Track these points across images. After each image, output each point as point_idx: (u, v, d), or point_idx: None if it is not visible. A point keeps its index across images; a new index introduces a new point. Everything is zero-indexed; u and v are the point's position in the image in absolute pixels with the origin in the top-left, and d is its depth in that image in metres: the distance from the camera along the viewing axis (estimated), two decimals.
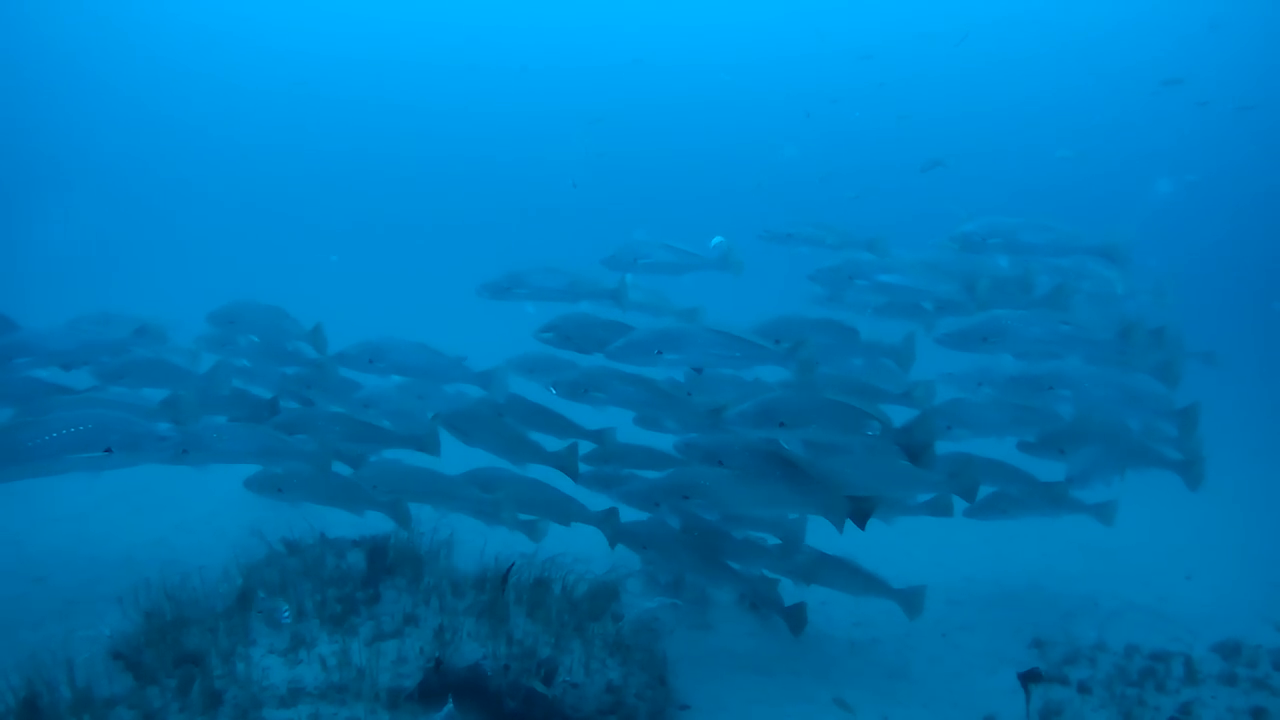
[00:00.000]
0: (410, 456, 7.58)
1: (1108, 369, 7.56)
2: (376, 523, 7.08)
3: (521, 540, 7.43)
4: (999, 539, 8.18)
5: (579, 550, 7.58)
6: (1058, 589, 9.13)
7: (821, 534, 7.03)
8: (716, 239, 8.74)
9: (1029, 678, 6.22)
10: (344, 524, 7.34)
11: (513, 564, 6.37)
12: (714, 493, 6.50)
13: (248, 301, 8.70)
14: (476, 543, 7.05)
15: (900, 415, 6.84)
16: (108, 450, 5.42)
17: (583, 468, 7.63)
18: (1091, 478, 7.69)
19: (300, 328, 8.68)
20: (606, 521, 7.17)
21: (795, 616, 7.41)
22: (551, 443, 7.72)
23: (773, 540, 7.55)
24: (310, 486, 6.99)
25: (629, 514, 7.07)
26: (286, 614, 5.47)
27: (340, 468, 7.33)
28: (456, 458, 7.51)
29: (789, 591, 7.41)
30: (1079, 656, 7.10)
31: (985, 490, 7.76)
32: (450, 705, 4.99)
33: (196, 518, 9.57)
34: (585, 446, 7.79)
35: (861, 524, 6.41)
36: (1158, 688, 6.42)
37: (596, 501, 7.29)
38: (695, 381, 7.68)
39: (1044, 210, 8.90)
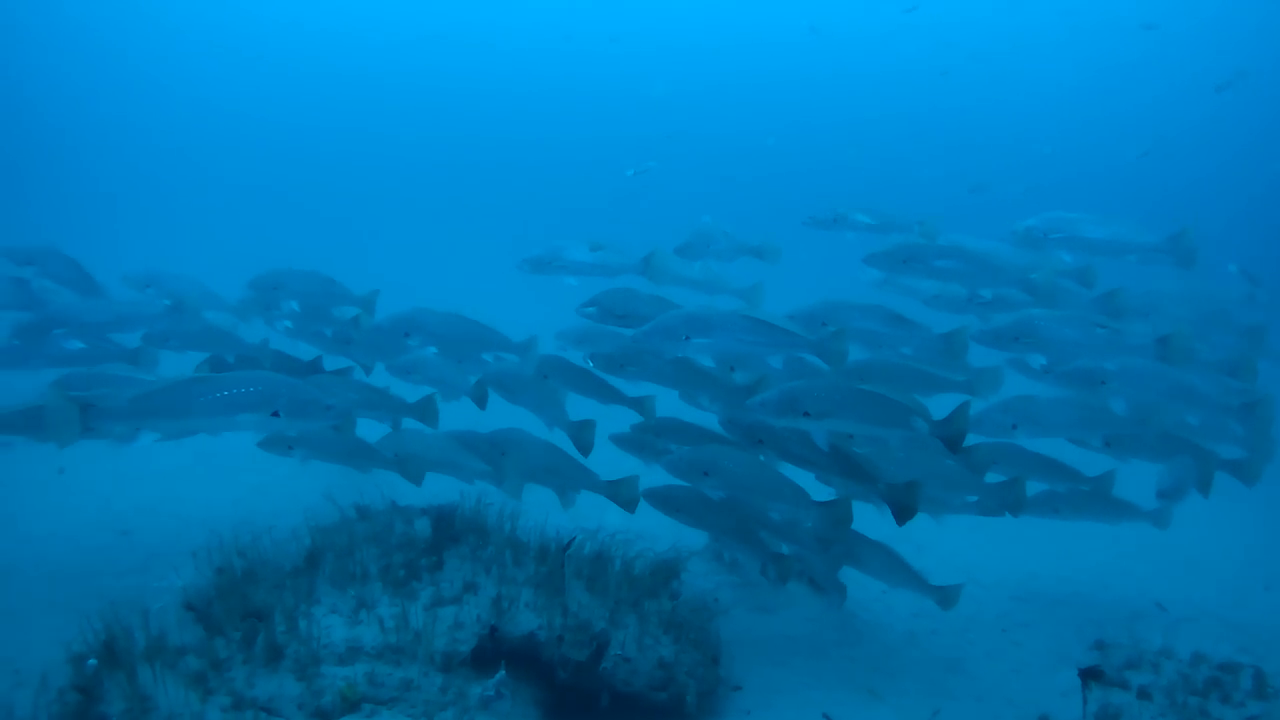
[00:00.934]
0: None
1: (1163, 366, 7.37)
2: (445, 492, 7.24)
3: (586, 514, 7.55)
4: (1066, 535, 8.07)
5: (642, 527, 7.68)
6: (1125, 590, 8.98)
7: (871, 522, 7.01)
8: (705, 218, 8.69)
9: (1090, 674, 6.16)
10: (415, 492, 7.53)
11: (573, 538, 6.49)
12: (732, 473, 6.48)
13: (292, 268, 8.81)
14: (542, 516, 7.16)
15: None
16: (275, 414, 5.54)
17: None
18: (1183, 490, 7.52)
19: (349, 294, 8.77)
20: (617, 491, 7.13)
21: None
22: (590, 409, 7.83)
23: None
24: (320, 445, 7.30)
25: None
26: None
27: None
28: (496, 416, 7.66)
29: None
30: (1142, 661, 6.97)
31: (1036, 487, 7.69)
32: (502, 672, 5.13)
33: (274, 481, 9.84)
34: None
35: (902, 519, 6.34)
36: (1223, 699, 6.27)
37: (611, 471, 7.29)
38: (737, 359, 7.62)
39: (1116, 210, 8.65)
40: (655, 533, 7.74)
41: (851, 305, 7.67)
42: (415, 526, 6.71)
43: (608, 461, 7.43)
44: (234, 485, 9.89)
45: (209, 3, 46.33)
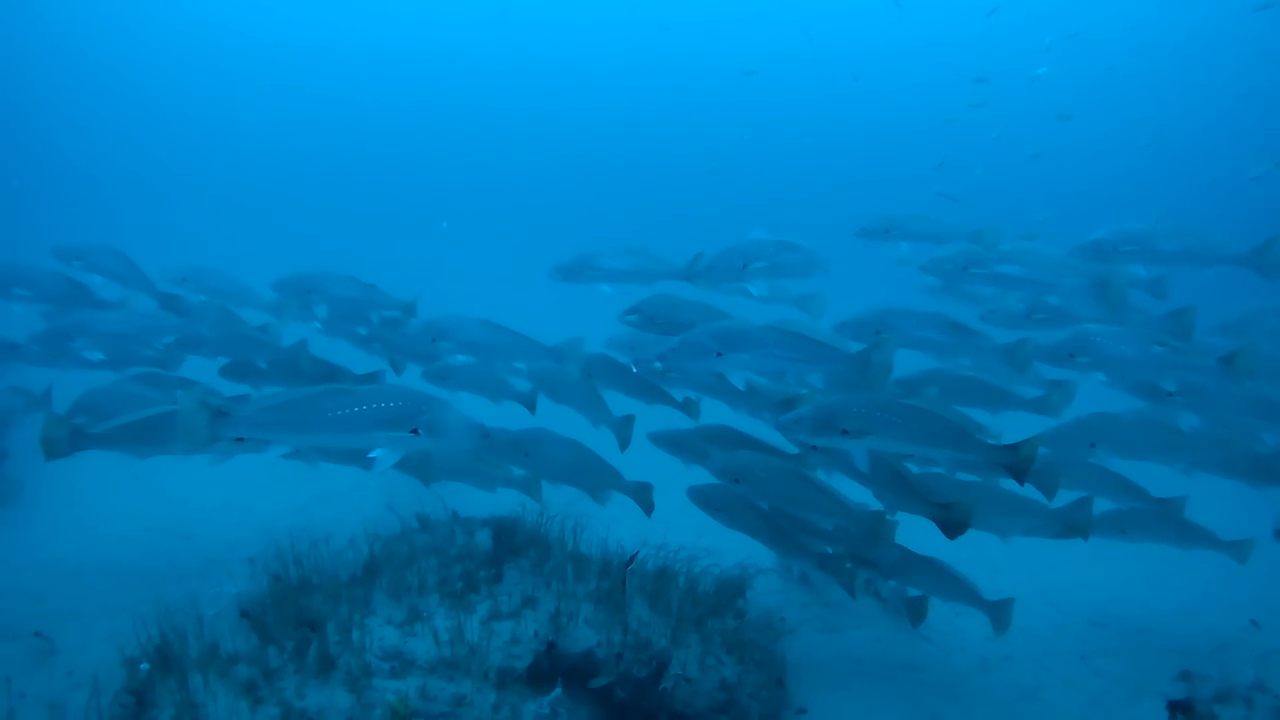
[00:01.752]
0: None
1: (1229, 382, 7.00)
2: (509, 504, 7.14)
3: (652, 529, 7.39)
4: (1151, 559, 7.73)
5: (710, 544, 7.51)
6: (1213, 619, 8.58)
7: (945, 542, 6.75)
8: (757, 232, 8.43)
9: (1180, 708, 5.86)
10: (477, 504, 7.43)
11: (636, 552, 6.32)
12: (763, 481, 6.28)
13: (327, 270, 8.70)
14: (604, 529, 7.02)
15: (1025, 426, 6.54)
16: (414, 431, 5.31)
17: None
18: None
19: (388, 298, 8.65)
20: (640, 494, 6.99)
21: (916, 608, 6.97)
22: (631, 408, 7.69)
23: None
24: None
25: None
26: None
27: None
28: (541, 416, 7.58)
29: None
30: (1233, 695, 6.61)
31: (1103, 505, 7.33)
32: (559, 690, 4.96)
33: (337, 490, 9.83)
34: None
35: (952, 534, 6.03)
36: None
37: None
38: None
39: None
40: (721, 549, 7.56)
41: (907, 312, 7.38)
42: (476, 538, 6.60)
43: (657, 465, 7.27)
44: (297, 493, 9.89)
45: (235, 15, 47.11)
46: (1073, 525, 6.73)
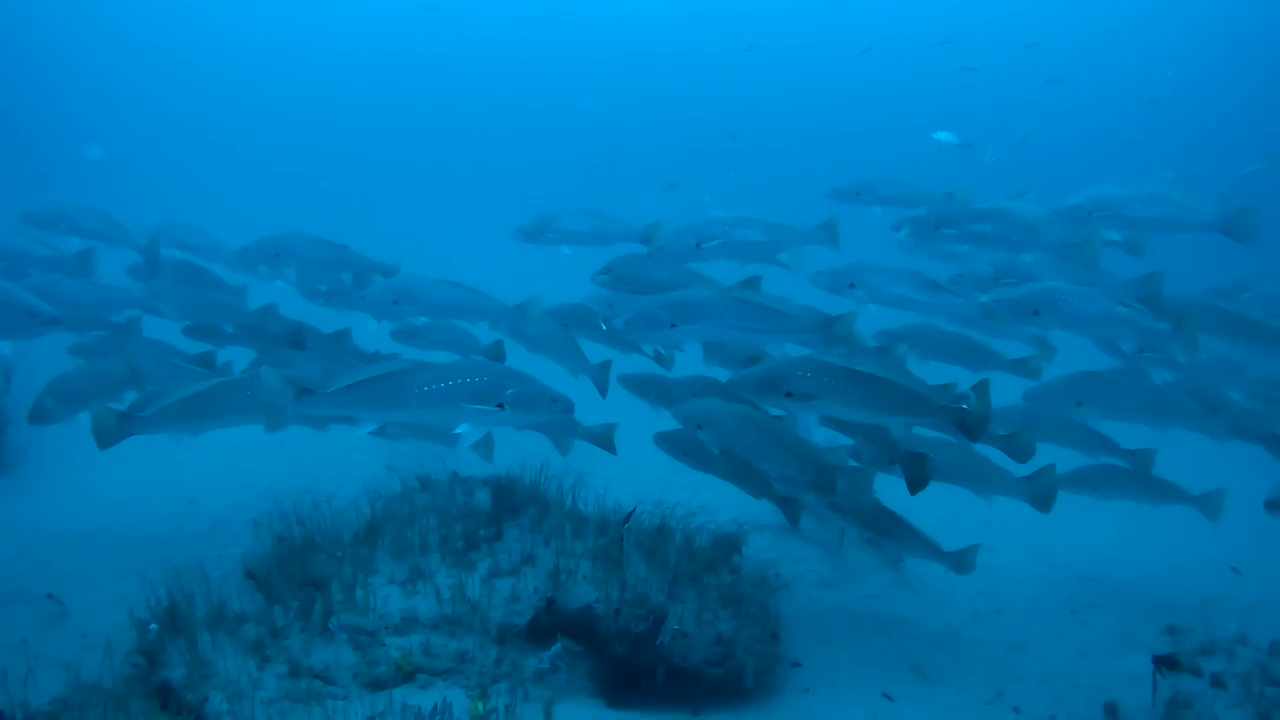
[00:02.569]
0: None
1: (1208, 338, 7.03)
2: (509, 463, 7.23)
3: (649, 487, 7.50)
4: (1141, 516, 7.83)
5: (706, 500, 7.62)
6: (1199, 573, 8.73)
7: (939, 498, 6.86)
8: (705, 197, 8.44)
9: (1165, 662, 5.99)
10: (477, 464, 7.53)
11: (634, 509, 6.43)
12: (726, 429, 6.28)
13: (298, 231, 8.63)
14: (603, 487, 7.12)
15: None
16: (499, 406, 5.32)
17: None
18: None
19: (362, 259, 8.60)
20: (602, 437, 7.19)
21: (962, 564, 6.88)
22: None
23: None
24: None
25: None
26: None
27: None
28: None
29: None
30: (1216, 648, 6.74)
31: (1078, 461, 7.49)
32: (559, 645, 5.10)
33: (338, 452, 9.93)
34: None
35: (914, 489, 6.04)
36: None
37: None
38: None
39: None
40: (717, 505, 7.67)
41: (882, 269, 7.37)
42: (476, 497, 6.71)
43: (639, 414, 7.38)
44: (299, 455, 9.99)
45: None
46: (1035, 496, 6.75)
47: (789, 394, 5.74)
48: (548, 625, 5.38)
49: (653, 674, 5.55)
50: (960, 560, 6.87)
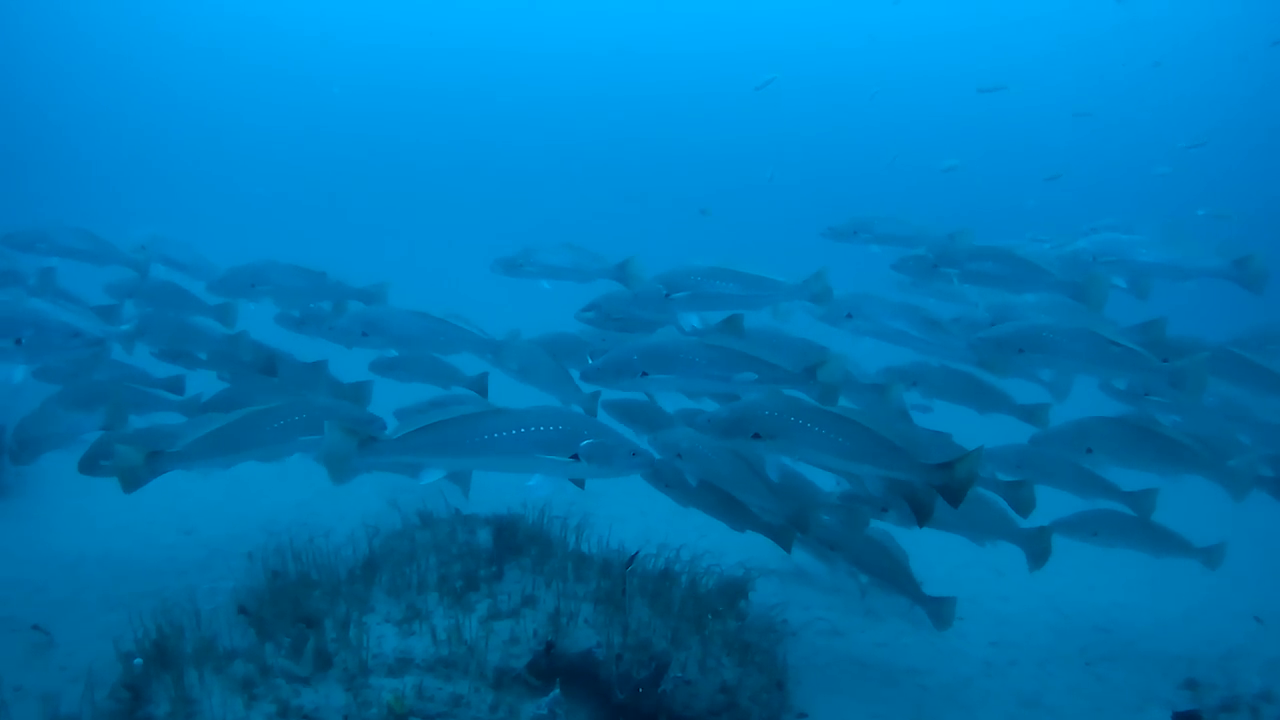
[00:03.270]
0: None
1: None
2: (511, 502, 7.10)
3: (655, 528, 7.34)
4: (1154, 561, 7.63)
5: (712, 544, 7.46)
6: (1219, 624, 8.50)
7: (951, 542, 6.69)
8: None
9: (1186, 718, 5.80)
10: (480, 502, 7.39)
11: (637, 552, 6.28)
12: (706, 459, 6.12)
13: (274, 260, 8.36)
14: (607, 529, 6.97)
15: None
16: (574, 457, 5.06)
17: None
18: None
19: (343, 287, 8.30)
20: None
21: (941, 612, 6.82)
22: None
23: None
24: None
25: None
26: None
27: None
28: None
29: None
30: (1239, 704, 6.53)
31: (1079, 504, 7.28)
32: (557, 691, 4.92)
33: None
34: None
35: (923, 520, 5.68)
36: None
37: None
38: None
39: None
40: (723, 549, 7.52)
41: (882, 300, 7.17)
42: (477, 536, 6.56)
43: None
44: (299, 487, 9.85)
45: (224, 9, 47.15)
46: (1032, 552, 6.64)
47: (756, 435, 5.56)
48: (546, 670, 5.20)
49: None
50: (939, 609, 6.75)
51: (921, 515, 5.61)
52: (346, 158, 47.14)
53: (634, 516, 7.75)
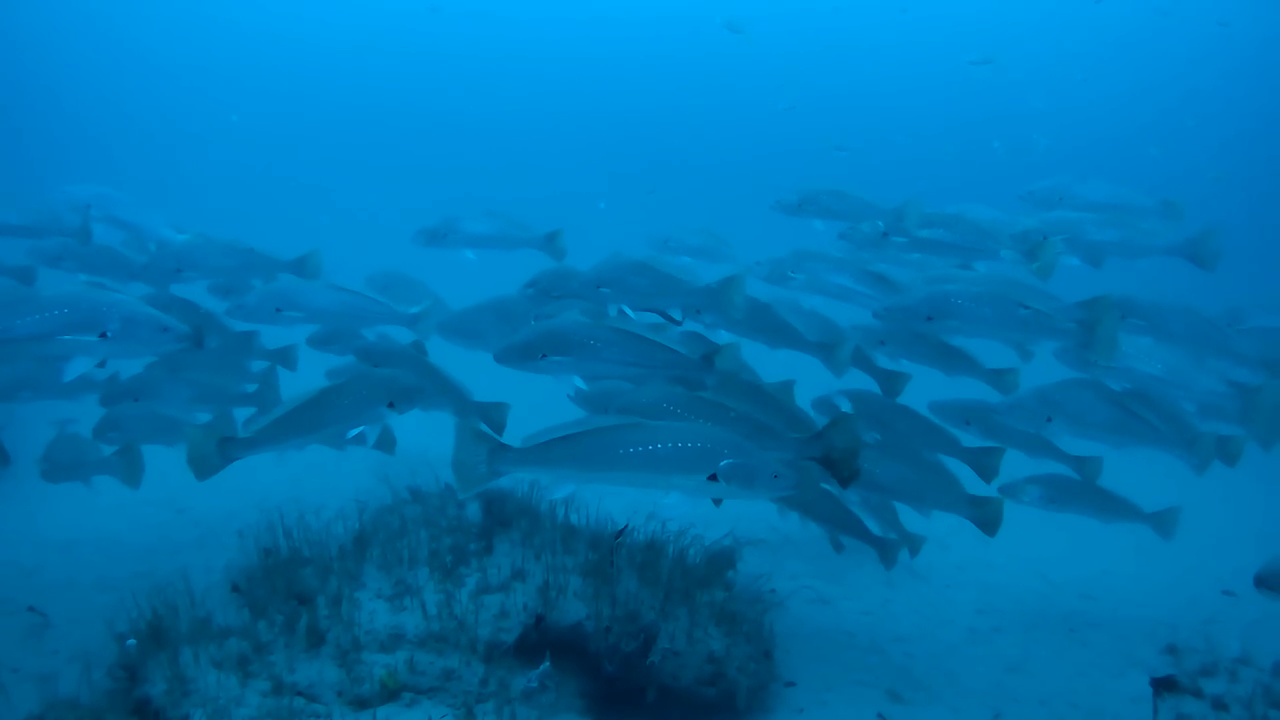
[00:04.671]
0: None
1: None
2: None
3: (643, 502, 7.37)
4: (1143, 531, 7.71)
5: (700, 516, 7.51)
6: (1201, 590, 8.61)
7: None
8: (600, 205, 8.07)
9: (1164, 684, 5.86)
10: None
11: (625, 525, 6.33)
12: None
13: (206, 237, 8.00)
14: (596, 501, 7.01)
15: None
16: (712, 478, 4.76)
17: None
18: None
19: (275, 261, 7.91)
20: (491, 414, 6.70)
21: (888, 552, 6.80)
22: None
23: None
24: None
25: None
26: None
27: None
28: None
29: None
30: (1218, 668, 6.61)
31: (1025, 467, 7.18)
32: (547, 664, 4.99)
33: (330, 459, 9.77)
34: None
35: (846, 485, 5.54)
36: None
37: None
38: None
39: None
40: (712, 518, 7.57)
41: (823, 257, 7.04)
42: (467, 510, 6.60)
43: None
44: (290, 463, 9.85)
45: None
46: (983, 520, 6.43)
47: (544, 355, 5.64)
48: (536, 643, 5.27)
49: (643, 693, 5.45)
50: (886, 549, 6.80)
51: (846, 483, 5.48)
52: (335, 142, 46.87)
53: (622, 490, 7.75)
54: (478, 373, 7.28)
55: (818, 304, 7.25)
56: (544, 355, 5.85)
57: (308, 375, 7.18)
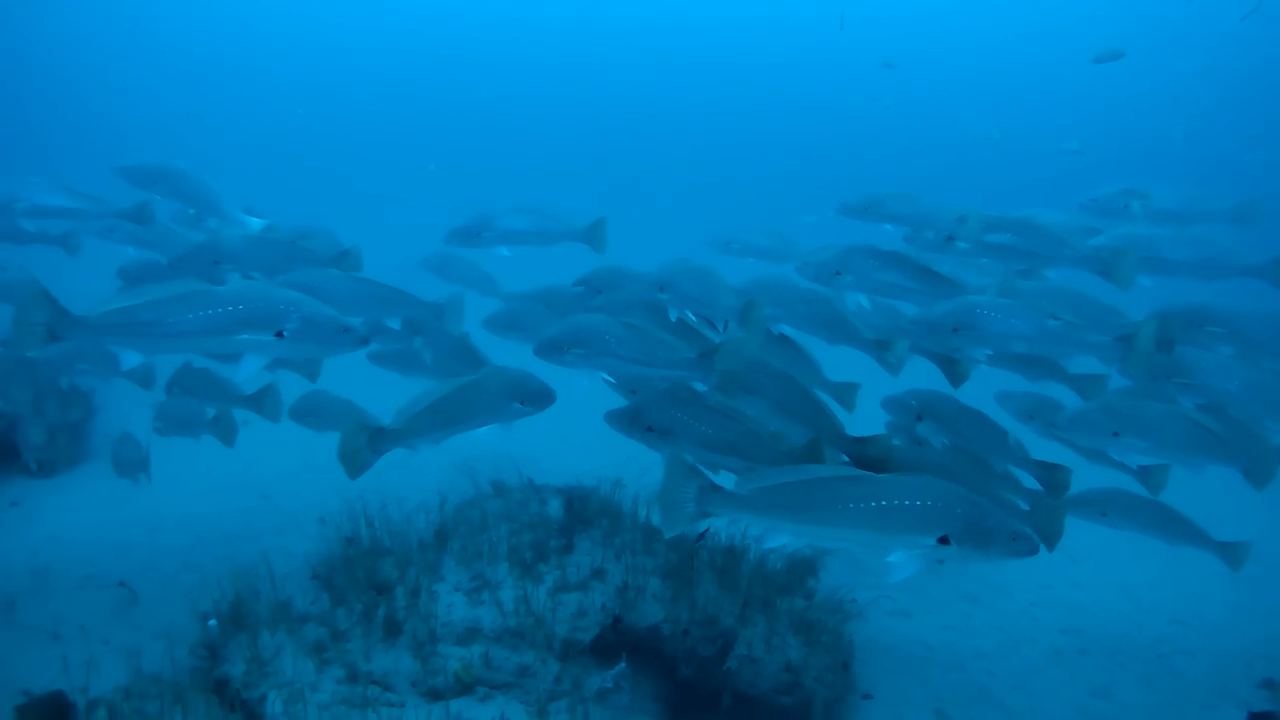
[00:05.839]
0: None
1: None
2: (584, 474, 7.12)
3: None
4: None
5: None
6: None
7: None
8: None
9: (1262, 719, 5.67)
10: (553, 472, 7.42)
11: (708, 528, 6.26)
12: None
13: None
14: None
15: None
16: (943, 540, 4.37)
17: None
18: None
19: (317, 255, 7.48)
20: None
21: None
22: None
23: None
24: None
25: None
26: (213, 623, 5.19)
27: None
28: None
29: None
30: None
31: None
32: (623, 665, 4.96)
33: (413, 451, 9.86)
34: None
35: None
36: None
37: None
38: None
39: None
40: None
41: (871, 251, 6.66)
42: (549, 507, 6.59)
43: None
44: None
45: None
46: (1042, 533, 5.79)
47: (649, 429, 5.41)
48: (613, 643, 5.25)
49: (718, 699, 5.39)
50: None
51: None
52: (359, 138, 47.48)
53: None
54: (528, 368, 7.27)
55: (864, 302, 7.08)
56: (568, 349, 5.79)
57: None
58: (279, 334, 4.97)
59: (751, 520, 4.59)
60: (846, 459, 5.37)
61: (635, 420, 5.43)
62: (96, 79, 47.46)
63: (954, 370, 6.51)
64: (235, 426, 7.25)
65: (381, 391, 7.59)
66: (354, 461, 4.91)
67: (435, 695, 4.77)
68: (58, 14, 45.52)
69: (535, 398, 5.38)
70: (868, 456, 5.25)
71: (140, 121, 46.55)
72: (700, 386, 5.69)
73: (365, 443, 4.92)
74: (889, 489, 4.37)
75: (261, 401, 7.06)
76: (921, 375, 6.56)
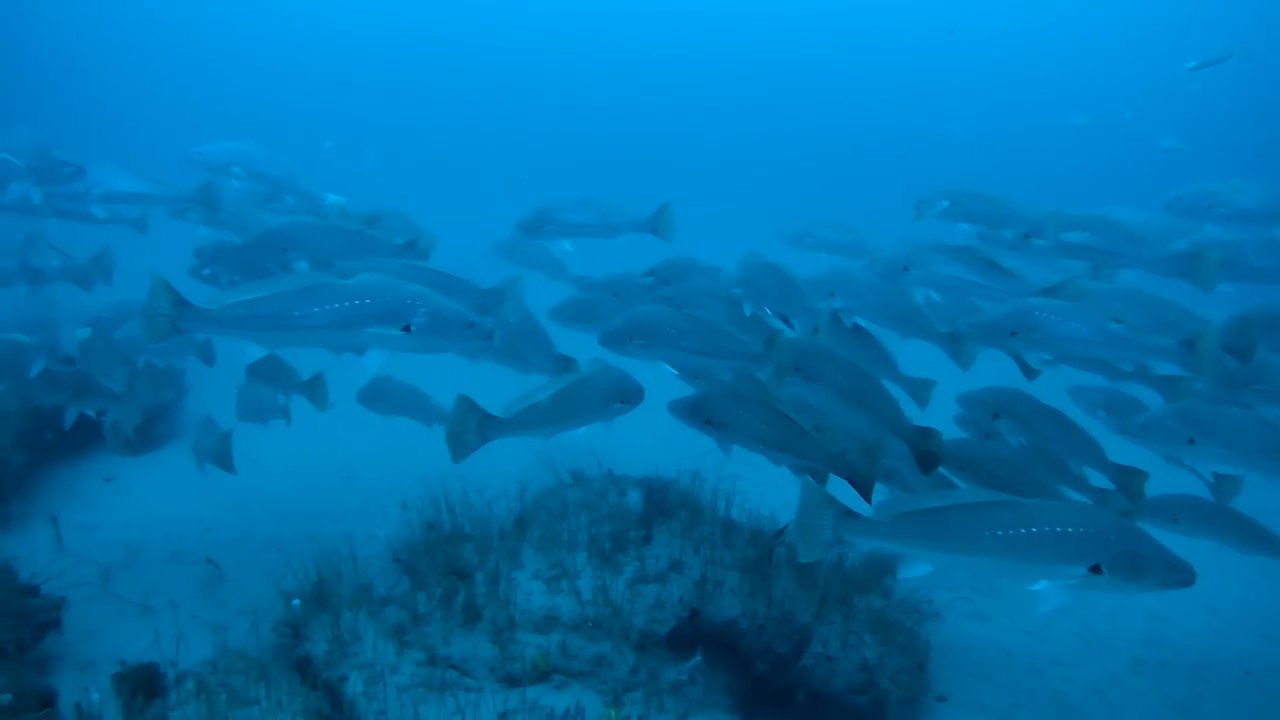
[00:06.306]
0: None
1: None
2: (664, 465, 7.14)
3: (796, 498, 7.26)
4: None
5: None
6: None
7: None
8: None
9: None
10: (632, 462, 7.45)
11: (787, 524, 6.26)
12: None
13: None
14: (758, 497, 6.94)
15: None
16: (1095, 569, 4.12)
17: None
18: None
19: (385, 244, 7.39)
20: None
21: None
22: None
23: None
24: None
25: None
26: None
27: None
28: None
29: None
30: None
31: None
32: (699, 658, 4.98)
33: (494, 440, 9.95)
34: None
35: (926, 468, 5.38)
36: None
37: None
38: None
39: None
40: None
41: (937, 246, 6.53)
42: (628, 498, 6.61)
43: None
44: None
45: None
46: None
47: (708, 421, 5.42)
48: (689, 636, 5.27)
49: (792, 695, 5.39)
50: None
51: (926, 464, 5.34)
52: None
53: (785, 483, 7.63)
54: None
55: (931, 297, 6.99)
56: (631, 340, 5.85)
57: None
58: (406, 328, 4.99)
59: (891, 547, 4.50)
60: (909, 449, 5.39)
61: (696, 412, 5.46)
62: (124, 73, 48.28)
63: (1027, 365, 6.41)
64: (327, 394, 7.33)
65: (440, 376, 7.76)
66: (460, 444, 4.88)
67: (512, 681, 4.82)
68: (76, 7, 46.50)
69: (632, 396, 5.41)
70: (923, 449, 5.26)
71: (165, 113, 47.50)
72: (762, 376, 5.74)
73: (474, 427, 4.89)
74: (1037, 515, 4.17)
75: (312, 390, 7.23)
76: (996, 369, 6.47)
